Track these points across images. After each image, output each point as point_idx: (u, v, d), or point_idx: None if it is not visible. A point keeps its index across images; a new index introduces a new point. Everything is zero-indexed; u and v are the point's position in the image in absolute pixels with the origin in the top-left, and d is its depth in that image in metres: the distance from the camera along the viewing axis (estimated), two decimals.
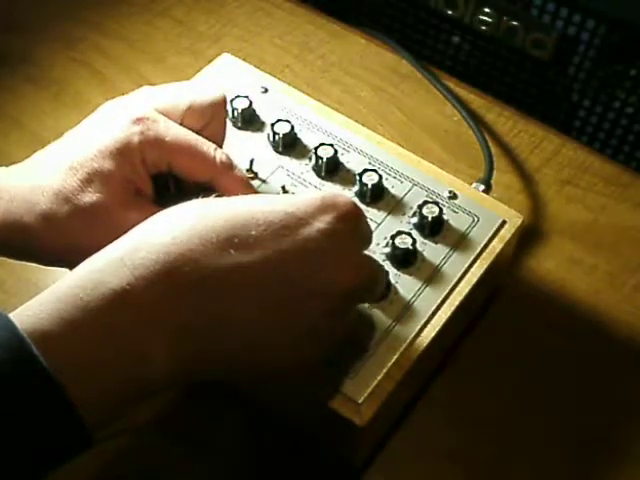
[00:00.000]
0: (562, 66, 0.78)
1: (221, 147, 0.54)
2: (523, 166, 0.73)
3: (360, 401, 0.50)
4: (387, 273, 0.53)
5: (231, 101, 0.62)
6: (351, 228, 0.46)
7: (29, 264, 0.52)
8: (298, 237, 0.43)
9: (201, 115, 0.53)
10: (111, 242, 0.44)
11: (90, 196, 0.49)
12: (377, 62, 0.80)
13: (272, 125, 0.61)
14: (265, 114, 0.63)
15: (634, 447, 0.58)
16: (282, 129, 0.61)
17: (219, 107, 0.54)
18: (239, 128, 0.62)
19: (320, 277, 0.44)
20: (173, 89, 0.55)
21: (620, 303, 0.64)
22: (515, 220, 0.59)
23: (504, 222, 0.59)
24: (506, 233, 0.58)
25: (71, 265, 0.49)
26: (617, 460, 0.57)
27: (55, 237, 0.50)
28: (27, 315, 0.39)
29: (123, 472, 0.56)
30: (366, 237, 0.48)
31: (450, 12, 0.79)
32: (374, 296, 0.52)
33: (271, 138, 0.61)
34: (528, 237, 0.67)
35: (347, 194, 0.59)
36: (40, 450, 0.38)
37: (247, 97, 0.62)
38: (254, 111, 0.63)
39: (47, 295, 0.40)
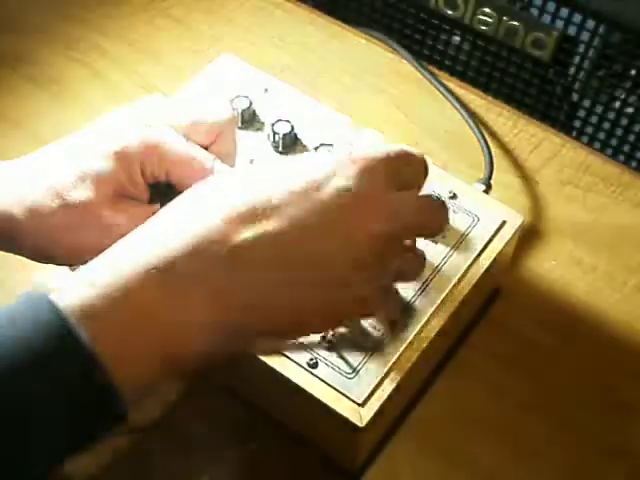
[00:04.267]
0: (562, 66, 0.78)
1: (232, 166, 0.54)
2: (523, 166, 0.73)
3: (360, 402, 0.50)
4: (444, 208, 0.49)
5: (231, 101, 0.62)
6: (372, 181, 0.45)
7: (29, 264, 0.52)
8: (314, 201, 0.43)
9: (206, 132, 0.53)
10: (95, 243, 0.45)
11: (81, 193, 0.49)
12: (377, 62, 0.80)
13: (272, 125, 0.61)
14: (265, 114, 0.63)
15: (634, 447, 0.58)
16: (282, 129, 0.61)
17: (227, 126, 0.54)
18: (239, 128, 0.62)
19: (342, 231, 0.44)
20: (182, 103, 0.55)
21: (620, 303, 0.64)
22: (515, 220, 0.59)
23: (504, 222, 0.59)
24: (506, 233, 0.58)
25: (53, 261, 0.50)
26: (617, 460, 0.57)
27: (39, 231, 0.50)
28: (66, 292, 0.40)
29: (122, 472, 0.56)
30: (400, 181, 0.46)
31: (450, 12, 0.79)
32: (431, 234, 0.51)
33: (271, 138, 0.61)
34: (528, 237, 0.67)
35: None
36: (78, 425, 0.39)
37: (247, 97, 0.62)
38: (254, 111, 0.63)
39: (84, 272, 0.41)
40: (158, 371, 0.41)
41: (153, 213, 0.46)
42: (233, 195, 0.44)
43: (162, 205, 0.50)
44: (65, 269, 0.54)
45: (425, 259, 0.50)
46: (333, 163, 0.45)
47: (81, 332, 0.38)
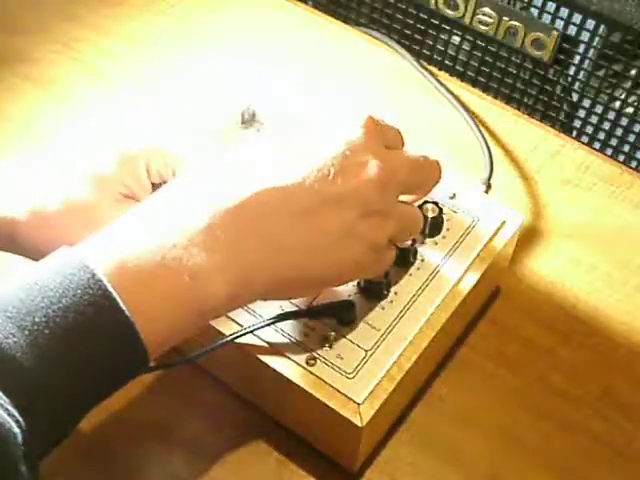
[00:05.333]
0: (562, 66, 0.78)
1: None
2: (523, 166, 0.73)
3: (360, 401, 0.50)
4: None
5: (231, 101, 0.62)
6: (368, 134, 0.48)
7: (28, 265, 0.52)
8: (315, 155, 0.47)
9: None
10: None
11: (85, 195, 0.51)
12: (377, 62, 0.80)
13: (273, 125, 0.61)
14: (265, 114, 0.63)
15: (634, 447, 0.58)
16: None
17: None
18: (239, 128, 0.62)
19: (341, 183, 0.46)
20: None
21: (620, 303, 0.64)
22: (515, 220, 0.59)
23: (504, 222, 0.59)
24: (506, 233, 0.58)
25: None
26: (617, 460, 0.57)
27: (42, 232, 0.51)
28: (96, 249, 0.42)
29: (122, 472, 0.56)
30: (385, 140, 0.50)
31: (450, 12, 0.79)
32: (424, 186, 0.53)
33: None
34: (528, 237, 0.67)
35: None
36: (110, 370, 0.41)
37: (247, 97, 0.62)
38: (254, 111, 0.63)
39: (109, 230, 0.44)
40: (180, 316, 0.43)
41: None
42: (239, 159, 0.47)
43: None
44: None
45: (422, 217, 0.53)
46: (332, 124, 0.49)
47: (109, 286, 0.40)
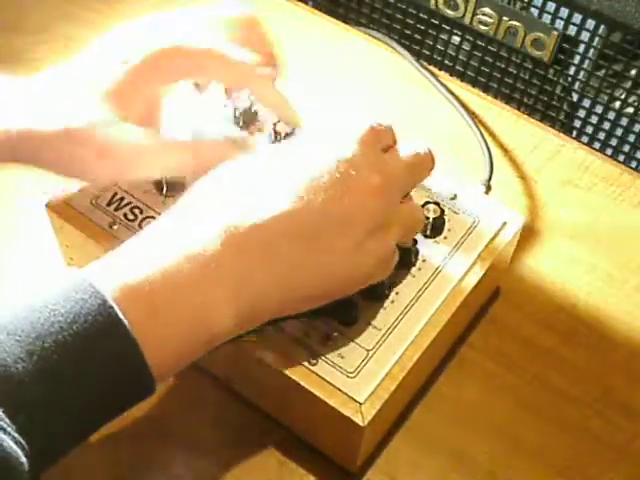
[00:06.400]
0: (562, 66, 0.78)
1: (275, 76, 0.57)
2: (523, 166, 0.73)
3: (362, 400, 0.50)
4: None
5: (232, 101, 0.62)
6: (369, 149, 0.49)
7: (27, 264, 0.53)
8: (320, 173, 0.47)
9: (226, 26, 0.55)
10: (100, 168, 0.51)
11: (108, 112, 0.51)
12: (377, 62, 0.80)
13: (273, 125, 0.61)
14: (266, 114, 0.63)
15: (634, 447, 0.58)
16: (283, 129, 0.61)
17: (249, 23, 0.57)
18: (240, 128, 0.62)
19: (348, 202, 0.47)
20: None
21: (620, 303, 0.64)
22: (515, 221, 0.59)
23: (504, 223, 0.59)
24: (506, 234, 0.58)
25: (77, 178, 0.54)
26: (616, 460, 0.57)
27: (68, 147, 0.51)
28: (103, 272, 0.42)
29: (122, 472, 0.56)
30: (381, 145, 0.50)
31: (450, 12, 0.79)
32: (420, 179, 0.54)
33: (272, 138, 0.61)
34: (528, 237, 0.67)
35: None
36: (116, 397, 0.42)
37: (248, 97, 0.62)
38: (255, 111, 0.63)
39: (119, 252, 0.44)
40: (186, 343, 0.43)
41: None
42: (247, 177, 0.47)
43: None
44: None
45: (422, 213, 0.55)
46: (329, 142, 0.49)
47: (120, 313, 0.40)
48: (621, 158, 0.78)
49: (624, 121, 0.77)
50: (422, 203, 0.58)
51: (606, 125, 0.78)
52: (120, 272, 0.42)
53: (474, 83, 0.82)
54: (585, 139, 0.80)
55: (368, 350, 0.52)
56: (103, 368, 0.40)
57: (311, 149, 0.49)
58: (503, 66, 0.81)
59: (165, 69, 0.52)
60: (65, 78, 0.53)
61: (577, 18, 0.73)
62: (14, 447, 0.36)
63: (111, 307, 0.40)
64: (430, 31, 0.83)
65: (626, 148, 0.78)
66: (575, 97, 0.80)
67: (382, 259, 0.49)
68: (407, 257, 0.55)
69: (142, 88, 0.53)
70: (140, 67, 0.52)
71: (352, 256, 0.47)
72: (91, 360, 0.40)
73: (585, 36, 0.74)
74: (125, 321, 0.40)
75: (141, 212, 0.57)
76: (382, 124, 0.51)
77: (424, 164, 0.53)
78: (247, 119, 0.62)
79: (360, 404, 0.50)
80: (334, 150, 0.48)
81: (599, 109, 0.78)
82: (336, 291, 0.49)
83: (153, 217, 0.57)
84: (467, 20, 0.79)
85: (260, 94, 0.56)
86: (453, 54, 0.83)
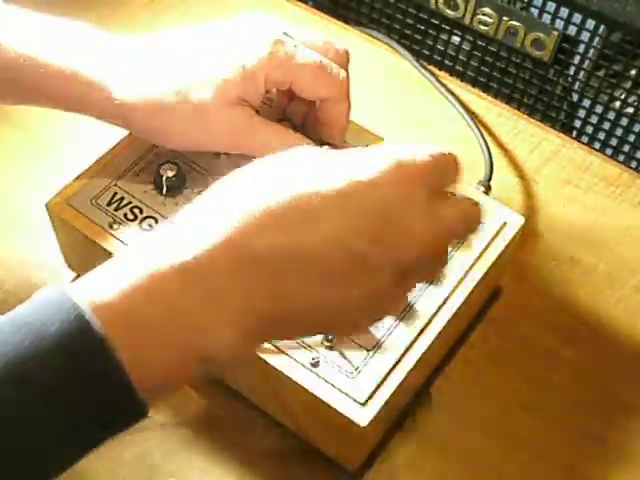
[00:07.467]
0: (562, 66, 0.78)
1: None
2: (523, 166, 0.73)
3: (362, 401, 0.50)
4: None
5: None
6: (418, 190, 0.42)
7: (28, 265, 0.53)
8: (359, 206, 0.41)
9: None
10: (201, 142, 0.55)
11: (201, 93, 0.53)
12: (377, 62, 0.80)
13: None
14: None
15: (633, 447, 0.58)
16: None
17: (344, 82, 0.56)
18: None
19: (379, 252, 0.41)
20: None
21: (620, 303, 0.64)
22: (515, 221, 0.59)
23: (505, 223, 0.59)
24: (506, 234, 0.58)
25: (162, 144, 0.57)
26: (616, 460, 0.57)
27: (155, 120, 0.54)
28: (85, 287, 0.38)
29: (122, 472, 0.56)
30: (439, 184, 0.44)
31: (450, 12, 0.79)
32: (437, 272, 0.50)
33: None
34: (528, 237, 0.67)
35: None
36: (96, 420, 0.38)
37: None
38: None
39: (106, 267, 0.40)
40: (181, 368, 0.40)
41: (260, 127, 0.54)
42: (268, 192, 0.40)
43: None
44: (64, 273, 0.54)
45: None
46: (378, 167, 0.42)
47: (100, 331, 0.36)
48: (621, 158, 0.78)
49: (624, 121, 0.77)
50: None
51: (606, 125, 0.78)
52: (99, 288, 0.38)
53: (474, 83, 0.82)
54: (585, 139, 0.80)
55: (368, 350, 0.52)
56: (88, 395, 0.37)
57: (355, 171, 0.42)
58: (503, 66, 0.81)
59: (294, 71, 0.54)
60: (197, 47, 0.55)
61: (577, 18, 0.73)
62: None
63: (102, 340, 0.36)
64: (430, 31, 0.83)
65: (626, 148, 0.78)
66: (575, 97, 0.80)
67: (400, 307, 0.48)
68: None
69: (272, 81, 0.54)
70: (277, 61, 0.53)
71: (370, 305, 0.43)
72: (75, 387, 0.36)
73: (585, 36, 0.74)
74: (102, 336, 0.36)
75: (141, 212, 0.57)
76: (447, 155, 0.45)
77: (475, 214, 0.47)
78: None
79: (361, 404, 0.50)
80: (379, 180, 0.41)
81: (599, 109, 0.78)
82: (344, 332, 0.48)
83: (153, 217, 0.57)
84: (467, 20, 0.79)
85: (334, 111, 0.56)
86: (453, 54, 0.83)
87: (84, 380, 0.36)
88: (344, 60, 0.56)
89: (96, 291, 0.38)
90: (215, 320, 0.39)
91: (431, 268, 0.46)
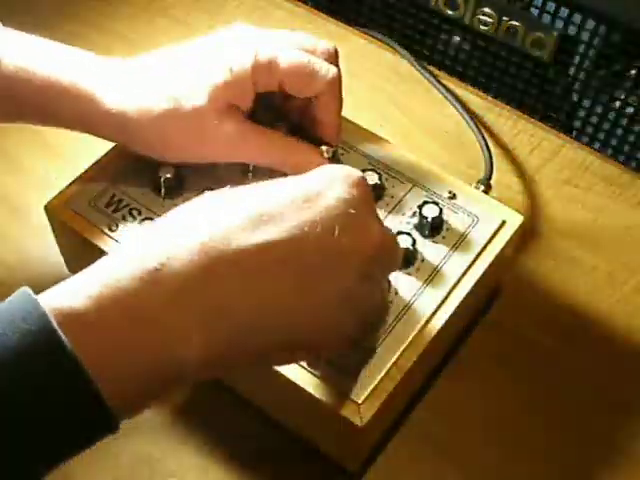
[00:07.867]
0: (562, 66, 0.78)
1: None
2: (523, 166, 0.73)
3: (360, 401, 0.50)
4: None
5: None
6: (366, 193, 0.46)
7: (28, 266, 0.53)
8: (319, 207, 0.43)
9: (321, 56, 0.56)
10: (197, 149, 0.55)
11: (194, 99, 0.53)
12: (377, 62, 0.80)
13: (272, 126, 0.61)
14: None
15: (634, 447, 0.58)
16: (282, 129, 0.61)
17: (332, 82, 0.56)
18: None
19: (345, 242, 0.43)
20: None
21: (620, 303, 0.64)
22: (515, 220, 0.59)
23: (504, 222, 0.59)
24: (506, 233, 0.58)
25: (163, 158, 0.57)
26: (617, 460, 0.57)
27: (150, 129, 0.54)
28: (55, 294, 0.38)
29: (122, 472, 0.56)
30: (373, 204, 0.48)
31: (450, 12, 0.79)
32: (397, 263, 0.51)
33: None
34: (528, 237, 0.67)
35: None
36: (65, 433, 0.37)
37: None
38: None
39: (77, 276, 0.40)
40: (150, 378, 0.39)
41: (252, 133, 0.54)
42: (242, 201, 0.44)
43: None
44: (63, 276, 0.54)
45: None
46: (327, 177, 0.45)
47: (66, 340, 0.36)
48: (621, 158, 0.78)
49: (624, 121, 0.77)
50: (421, 202, 0.58)
51: (606, 125, 0.78)
52: (66, 295, 0.38)
53: (474, 83, 0.82)
54: (585, 139, 0.80)
55: (367, 350, 0.52)
56: (54, 407, 0.36)
57: (308, 182, 0.45)
58: (503, 66, 0.81)
59: (280, 72, 0.54)
60: (184, 58, 0.56)
61: (577, 18, 0.73)
62: None
63: (71, 354, 0.36)
64: (430, 31, 0.83)
65: (626, 148, 0.78)
66: (575, 97, 0.80)
67: (378, 301, 0.48)
68: (406, 257, 0.55)
69: (260, 83, 0.54)
70: (263, 63, 0.53)
71: (341, 302, 0.44)
72: (40, 400, 0.36)
73: (585, 36, 0.74)
74: (68, 343, 0.36)
75: (139, 213, 0.57)
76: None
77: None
78: None
79: (358, 404, 0.50)
80: (331, 188, 0.45)
81: (599, 109, 0.78)
82: (319, 340, 0.45)
83: (151, 218, 0.57)
84: (467, 20, 0.79)
85: (327, 109, 0.56)
86: (453, 54, 0.83)
87: (46, 389, 0.36)
88: (333, 57, 0.56)
89: (62, 298, 0.38)
90: (182, 323, 0.39)
91: (388, 265, 0.49)
